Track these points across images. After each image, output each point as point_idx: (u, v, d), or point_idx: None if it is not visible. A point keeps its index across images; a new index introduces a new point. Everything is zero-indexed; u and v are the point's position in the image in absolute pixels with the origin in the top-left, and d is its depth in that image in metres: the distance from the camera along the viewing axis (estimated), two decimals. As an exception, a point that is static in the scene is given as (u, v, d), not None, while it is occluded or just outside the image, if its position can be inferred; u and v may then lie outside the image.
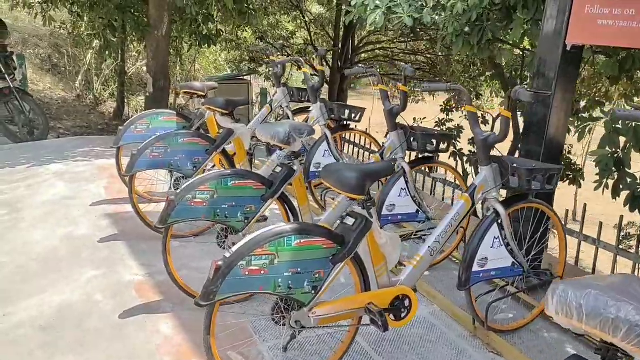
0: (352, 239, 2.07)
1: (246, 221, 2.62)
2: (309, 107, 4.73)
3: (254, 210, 2.63)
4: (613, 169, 3.47)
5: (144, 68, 13.03)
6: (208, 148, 3.48)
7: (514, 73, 7.14)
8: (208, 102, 3.65)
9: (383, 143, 3.51)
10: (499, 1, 4.11)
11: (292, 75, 14.47)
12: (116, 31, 7.35)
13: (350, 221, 2.14)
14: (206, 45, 7.35)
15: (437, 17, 4.57)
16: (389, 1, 4.76)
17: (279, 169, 2.76)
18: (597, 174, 3.54)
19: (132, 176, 3.40)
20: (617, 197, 3.54)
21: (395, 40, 11.55)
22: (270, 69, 6.09)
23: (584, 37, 2.72)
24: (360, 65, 12.15)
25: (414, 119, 7.26)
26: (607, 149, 3.47)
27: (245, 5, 6.98)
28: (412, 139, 3.30)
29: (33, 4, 8.12)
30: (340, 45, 11.33)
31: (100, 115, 10.69)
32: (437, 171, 4.49)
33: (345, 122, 4.30)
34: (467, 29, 4.38)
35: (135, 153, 3.28)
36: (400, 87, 3.34)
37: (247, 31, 11.45)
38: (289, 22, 12.30)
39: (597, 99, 8.30)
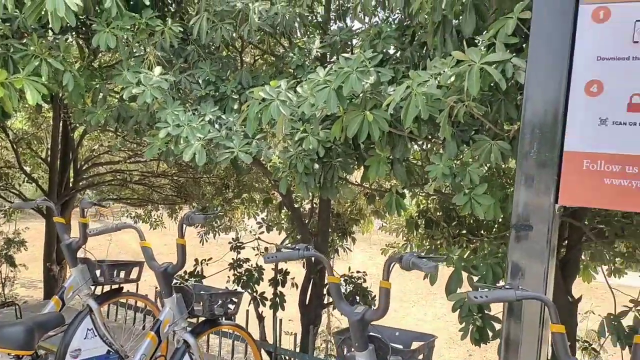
0: None
1: None
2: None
3: None
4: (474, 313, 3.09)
5: None
6: None
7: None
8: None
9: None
10: (343, 137, 3.40)
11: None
12: None
13: None
14: None
15: (279, 154, 3.70)
16: (207, 132, 3.70)
17: None
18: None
19: None
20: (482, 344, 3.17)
21: (127, 161, 9.99)
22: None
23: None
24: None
25: (198, 260, 5.97)
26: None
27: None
28: (98, 272, 3.11)
29: None
30: (58, 169, 9.13)
31: None
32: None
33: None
34: (316, 166, 3.67)
35: None
36: (80, 220, 3.18)
37: None
38: (-18, 139, 9.48)
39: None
